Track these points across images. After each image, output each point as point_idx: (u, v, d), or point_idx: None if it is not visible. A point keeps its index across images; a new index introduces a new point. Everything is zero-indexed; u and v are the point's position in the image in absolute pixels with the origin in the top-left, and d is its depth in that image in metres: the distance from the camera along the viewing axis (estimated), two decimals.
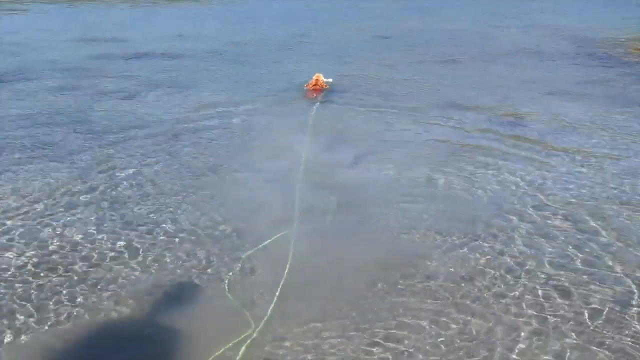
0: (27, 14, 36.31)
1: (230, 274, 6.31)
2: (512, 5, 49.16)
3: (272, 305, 5.75)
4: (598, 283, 6.17)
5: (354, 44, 24.43)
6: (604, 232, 7.32)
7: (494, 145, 10.74)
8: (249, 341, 5.23)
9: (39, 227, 7.28)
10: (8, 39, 24.69)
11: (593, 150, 10.40)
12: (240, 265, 6.48)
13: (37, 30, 28.46)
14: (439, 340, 5.27)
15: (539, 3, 52.64)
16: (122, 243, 6.92)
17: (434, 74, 17.64)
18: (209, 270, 6.40)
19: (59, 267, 6.40)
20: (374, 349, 5.15)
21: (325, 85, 14.54)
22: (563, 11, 42.97)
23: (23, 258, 6.56)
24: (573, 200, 8.30)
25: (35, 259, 6.53)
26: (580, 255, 6.78)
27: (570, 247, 6.95)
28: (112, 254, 6.71)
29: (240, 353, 5.07)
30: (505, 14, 39.73)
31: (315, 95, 14.01)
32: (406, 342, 5.24)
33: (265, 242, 6.93)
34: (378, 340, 5.27)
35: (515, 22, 33.56)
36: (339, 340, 5.26)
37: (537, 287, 6.10)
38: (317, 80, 14.43)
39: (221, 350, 5.10)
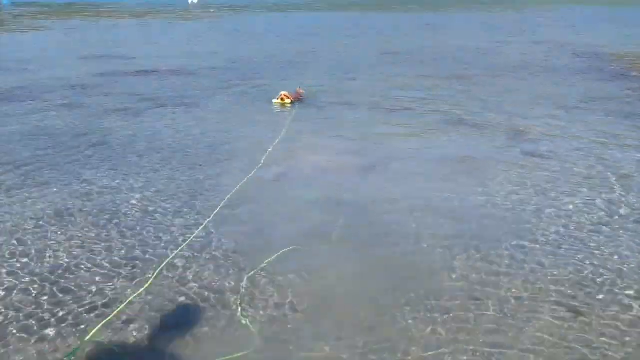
0: (36, 32, 36.60)
1: (236, 291, 6.08)
2: (519, 21, 49.33)
3: (277, 323, 5.53)
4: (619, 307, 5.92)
5: (362, 59, 24.39)
6: (604, 251, 7.08)
7: (504, 160, 10.50)
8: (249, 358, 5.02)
9: (39, 245, 7.11)
10: (15, 56, 24.82)
11: (603, 168, 10.16)
12: (245, 283, 6.25)
13: (44, 47, 28.66)
14: None
15: (545, 19, 52.80)
16: (122, 261, 6.72)
17: (442, 89, 17.50)
18: (214, 288, 6.17)
19: (58, 287, 6.20)
20: None
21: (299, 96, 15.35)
22: (570, 26, 43.01)
23: (26, 279, 6.38)
24: (584, 220, 8.05)
25: (35, 278, 6.35)
26: (606, 275, 6.52)
27: (586, 269, 6.70)
28: (114, 272, 6.50)
29: None
30: (512, 29, 39.79)
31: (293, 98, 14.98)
32: None
33: (271, 258, 6.69)
34: None
35: (522, 38, 33.53)
36: None
37: (551, 310, 5.83)
38: (286, 96, 15.02)
39: None
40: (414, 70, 21.42)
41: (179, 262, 6.71)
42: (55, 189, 8.95)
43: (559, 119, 13.71)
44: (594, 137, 12.07)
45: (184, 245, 7.09)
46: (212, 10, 61.38)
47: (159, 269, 6.51)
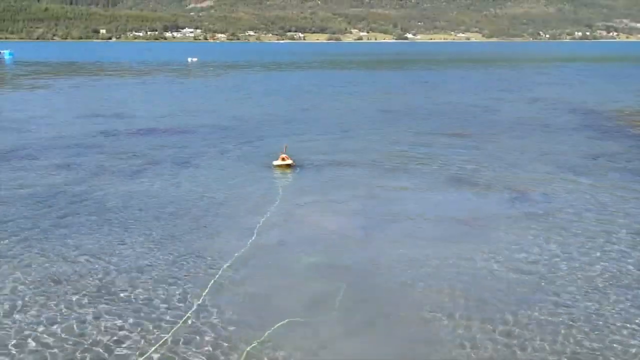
0: (37, 90, 36.89)
1: None
2: (514, 78, 50.01)
3: None
4: None
5: (360, 116, 24.47)
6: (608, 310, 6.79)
7: (508, 221, 10.29)
8: None
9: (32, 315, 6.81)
10: (16, 115, 24.87)
11: (611, 226, 9.96)
12: (243, 358, 5.93)
13: (45, 106, 28.72)
14: None
15: (541, 76, 53.59)
16: (120, 331, 6.42)
17: (441, 146, 17.43)
18: None
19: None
20: None
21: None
22: (565, 83, 43.53)
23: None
24: (597, 283, 7.77)
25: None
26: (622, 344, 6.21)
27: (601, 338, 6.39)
28: (113, 344, 6.18)
29: None
30: (508, 86, 40.23)
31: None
32: None
33: (270, 331, 6.36)
34: None
35: (519, 95, 33.84)
36: None
37: None
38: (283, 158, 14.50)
39: None
40: (412, 127, 21.44)
41: (177, 335, 6.40)
42: (47, 256, 8.68)
43: (561, 177, 13.57)
44: (598, 195, 11.91)
45: (182, 321, 6.77)
46: (211, 68, 62.37)
47: (158, 344, 6.20)
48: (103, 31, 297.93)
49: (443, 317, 6.81)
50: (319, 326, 6.61)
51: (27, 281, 7.79)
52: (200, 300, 7.20)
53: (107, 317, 6.81)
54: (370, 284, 7.77)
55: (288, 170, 14.11)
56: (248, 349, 6.10)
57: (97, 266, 8.32)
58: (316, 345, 6.22)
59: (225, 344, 6.22)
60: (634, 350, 6.13)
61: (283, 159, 14.46)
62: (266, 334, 6.35)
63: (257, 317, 6.78)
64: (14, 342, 6.28)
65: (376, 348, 6.22)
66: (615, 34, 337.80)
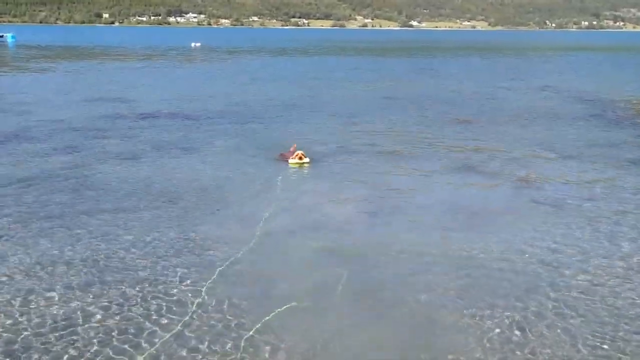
0: (40, 74, 36.71)
1: (237, 350, 5.69)
2: (521, 67, 49.71)
3: None
4: None
5: (363, 104, 24.29)
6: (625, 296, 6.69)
7: (514, 211, 10.18)
8: None
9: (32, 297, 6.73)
10: (14, 98, 24.71)
11: (610, 215, 9.86)
12: (244, 343, 5.85)
13: (48, 89, 28.58)
14: None
15: (547, 64, 53.30)
16: (127, 316, 6.35)
17: (445, 135, 17.29)
18: (212, 348, 5.76)
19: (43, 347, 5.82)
20: None
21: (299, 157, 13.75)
22: (571, 72, 43.26)
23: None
24: (598, 272, 7.66)
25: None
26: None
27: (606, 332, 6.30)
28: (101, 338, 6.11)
29: None
30: (515, 75, 39.98)
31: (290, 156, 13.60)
32: None
33: (271, 315, 6.29)
34: None
35: (524, 84, 33.59)
36: None
37: None
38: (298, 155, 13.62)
39: None
40: (418, 114, 21.27)
41: (182, 321, 6.32)
42: (51, 239, 8.61)
43: (569, 165, 13.45)
44: (607, 184, 11.81)
45: (188, 306, 6.68)
46: (215, 53, 62.00)
47: (164, 329, 6.13)
48: (106, 15, 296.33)
49: (448, 306, 6.73)
50: (321, 313, 6.54)
51: (30, 262, 7.73)
52: (206, 285, 7.12)
53: (112, 302, 6.73)
54: (375, 271, 7.68)
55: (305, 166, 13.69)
56: (249, 333, 6.04)
57: (98, 252, 8.22)
58: (317, 331, 6.16)
59: (228, 329, 6.16)
60: None
61: (300, 158, 13.86)
62: (267, 319, 6.29)
63: (260, 303, 6.71)
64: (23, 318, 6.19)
65: (378, 335, 6.15)
66: (622, 23, 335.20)
